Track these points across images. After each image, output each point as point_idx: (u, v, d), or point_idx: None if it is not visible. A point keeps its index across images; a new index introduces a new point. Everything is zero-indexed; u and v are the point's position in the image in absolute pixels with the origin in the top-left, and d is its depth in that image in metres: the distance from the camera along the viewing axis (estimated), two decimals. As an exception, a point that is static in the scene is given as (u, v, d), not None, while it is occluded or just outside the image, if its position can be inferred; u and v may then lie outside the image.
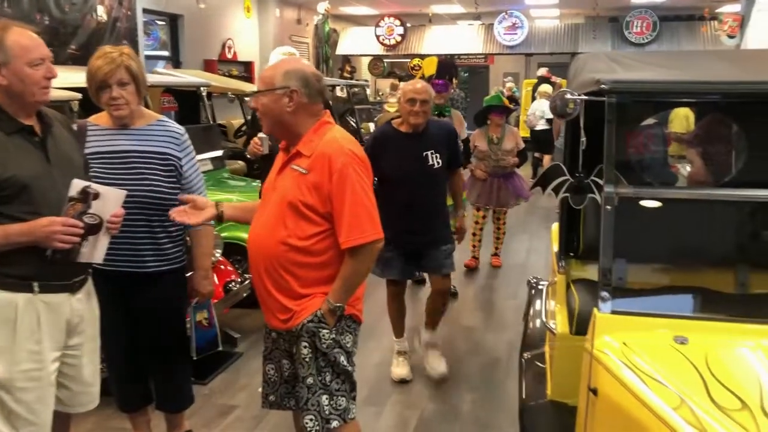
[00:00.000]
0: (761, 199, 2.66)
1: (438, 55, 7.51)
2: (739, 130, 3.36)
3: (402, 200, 3.94)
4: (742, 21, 11.19)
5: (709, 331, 2.21)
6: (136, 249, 2.79)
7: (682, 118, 6.96)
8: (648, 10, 15.30)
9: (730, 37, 11.83)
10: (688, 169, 5.82)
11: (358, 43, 18.02)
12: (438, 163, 4.00)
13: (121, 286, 2.82)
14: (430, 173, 4.00)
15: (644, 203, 2.77)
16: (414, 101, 3.91)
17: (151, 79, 5.11)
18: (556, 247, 3.50)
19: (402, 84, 4.44)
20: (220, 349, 3.43)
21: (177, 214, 2.51)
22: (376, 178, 2.86)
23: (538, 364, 3.37)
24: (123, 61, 2.65)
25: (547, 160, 11.18)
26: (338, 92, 12.26)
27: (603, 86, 2.27)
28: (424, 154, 3.98)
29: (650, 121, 4.42)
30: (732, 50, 10.22)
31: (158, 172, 2.78)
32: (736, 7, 11.67)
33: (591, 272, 3.17)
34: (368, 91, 14.55)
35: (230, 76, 11.67)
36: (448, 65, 6.16)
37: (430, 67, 6.58)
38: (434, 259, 4.11)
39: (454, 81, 5.92)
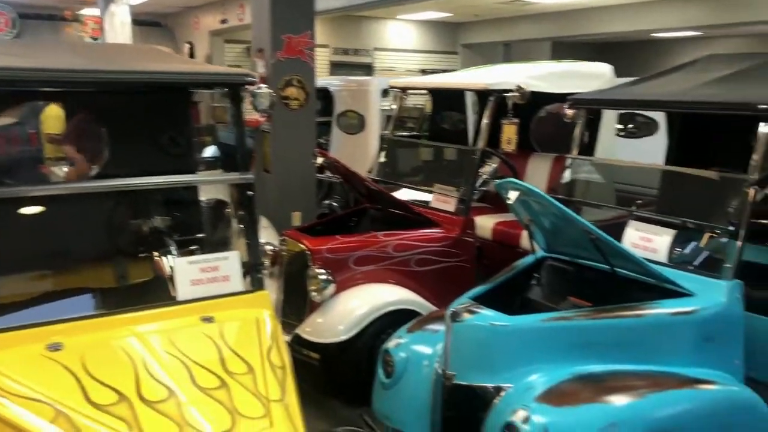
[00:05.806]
0: (121, 188, 2.70)
1: None
2: (102, 124, 3.40)
3: None
4: (102, 24, 11.53)
5: (84, 331, 2.14)
6: None
7: (54, 119, 6.73)
8: (7, 6, 14.35)
9: (94, 39, 12.09)
10: (65, 169, 5.70)
11: None
12: None
13: None
14: None
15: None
16: None
17: None
18: None
19: None
20: None
21: None
22: None
23: None
24: None
25: None
26: None
27: None
28: None
29: (9, 120, 4.10)
30: (87, 43, 10.45)
31: None
32: (97, 11, 11.94)
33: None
34: None
35: None
36: None
37: None
38: None
39: None
